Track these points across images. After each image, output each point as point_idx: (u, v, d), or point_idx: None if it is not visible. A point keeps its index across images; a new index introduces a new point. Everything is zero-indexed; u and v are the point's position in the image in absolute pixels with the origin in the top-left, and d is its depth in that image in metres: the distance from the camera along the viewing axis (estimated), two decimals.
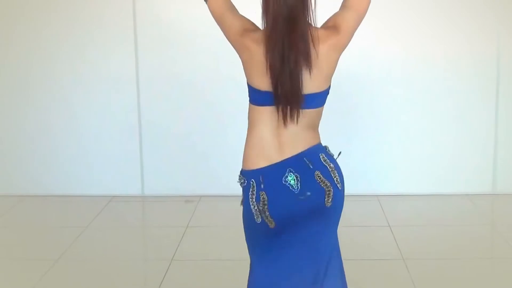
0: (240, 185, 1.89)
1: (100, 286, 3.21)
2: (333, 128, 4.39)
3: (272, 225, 1.83)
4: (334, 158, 1.91)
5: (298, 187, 1.82)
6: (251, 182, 1.84)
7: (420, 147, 4.55)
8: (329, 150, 1.93)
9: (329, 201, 1.84)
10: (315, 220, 1.86)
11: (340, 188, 1.86)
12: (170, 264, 3.39)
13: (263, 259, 1.91)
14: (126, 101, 4.57)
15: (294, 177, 1.83)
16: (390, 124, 4.53)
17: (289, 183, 1.82)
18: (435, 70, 4.48)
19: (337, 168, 1.88)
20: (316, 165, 1.85)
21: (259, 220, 1.84)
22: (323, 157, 1.86)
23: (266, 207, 1.82)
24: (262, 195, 1.82)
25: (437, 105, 4.52)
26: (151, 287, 3.18)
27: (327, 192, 1.83)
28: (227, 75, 4.29)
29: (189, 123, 4.56)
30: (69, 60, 4.55)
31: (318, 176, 1.83)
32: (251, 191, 1.84)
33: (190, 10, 4.24)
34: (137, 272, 3.45)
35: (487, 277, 3.31)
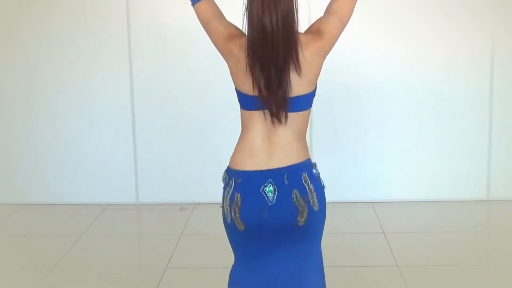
0: (223, 181, 1.91)
1: None
2: (327, 136, 4.39)
3: (241, 227, 1.85)
4: (317, 178, 1.89)
5: (273, 199, 1.82)
6: (230, 182, 1.86)
7: (414, 153, 4.54)
8: (315, 169, 1.90)
9: (302, 220, 1.82)
10: (288, 238, 1.86)
11: (316, 209, 1.84)
12: (164, 272, 3.37)
13: (242, 259, 1.93)
14: (121, 110, 4.55)
15: (273, 189, 1.82)
16: (384, 131, 4.52)
17: (266, 193, 1.82)
18: (428, 79, 4.47)
19: (318, 189, 1.86)
20: (295, 183, 1.83)
21: (229, 220, 1.87)
22: (305, 177, 1.84)
23: (238, 209, 1.83)
24: (236, 196, 1.84)
25: (430, 112, 4.51)
26: None
27: (300, 212, 1.82)
28: (221, 84, 4.27)
29: (184, 131, 4.54)
30: (64, 72, 4.53)
31: (295, 194, 1.82)
32: (228, 190, 1.87)
33: (185, 19, 4.24)
34: (132, 280, 3.41)
35: (483, 284, 3.30)
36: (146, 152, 4.59)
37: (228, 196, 1.86)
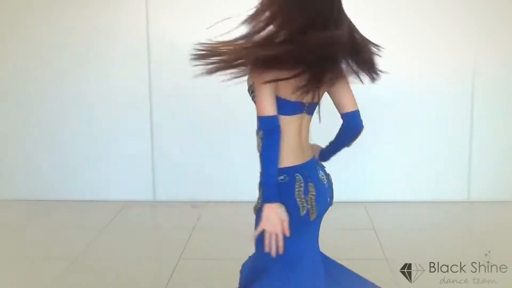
0: (282, 181, 1.76)
1: (115, 282, 3.21)
2: (321, 140, 4.38)
3: (313, 216, 1.79)
4: None
5: (326, 182, 1.89)
6: (297, 176, 1.78)
7: (401, 158, 4.55)
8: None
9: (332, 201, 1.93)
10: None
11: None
12: (177, 263, 3.41)
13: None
14: (139, 115, 4.56)
15: (323, 173, 1.90)
16: (373, 138, 4.37)
17: (321, 178, 1.87)
18: (414, 86, 4.44)
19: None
20: (324, 170, 1.95)
21: (304, 212, 1.77)
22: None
23: (314, 197, 1.78)
24: (310, 187, 1.79)
25: (416, 119, 4.51)
26: (161, 283, 3.17)
27: (330, 192, 1.92)
28: (234, 87, 4.25)
29: (198, 135, 4.54)
30: (86, 73, 4.53)
31: (330, 178, 1.93)
32: (298, 185, 1.77)
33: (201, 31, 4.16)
34: (149, 270, 3.44)
35: (463, 276, 3.28)
36: (163, 155, 4.62)
37: (302, 189, 1.77)
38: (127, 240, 3.88)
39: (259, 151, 1.74)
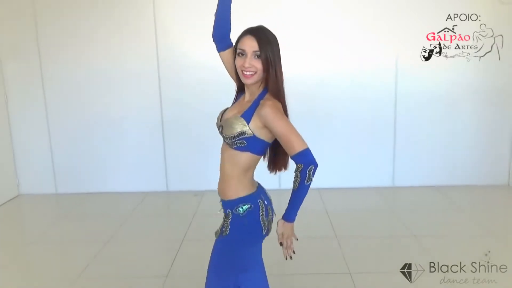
0: (246, 210, 1.49)
1: (134, 260, 2.94)
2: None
3: (268, 232, 1.56)
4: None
5: (270, 199, 1.62)
6: (259, 202, 1.52)
7: (342, 153, 4.21)
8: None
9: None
10: None
11: None
12: (182, 243, 3.17)
13: (261, 266, 1.62)
14: (153, 125, 4.22)
15: (267, 193, 1.63)
16: (321, 133, 4.18)
17: (269, 197, 1.62)
18: (350, 88, 4.08)
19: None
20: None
21: (265, 231, 1.53)
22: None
23: (271, 218, 1.56)
24: (269, 210, 1.55)
25: (349, 121, 4.14)
26: (169, 258, 2.92)
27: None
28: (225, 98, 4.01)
29: (201, 143, 4.21)
30: (113, 91, 4.15)
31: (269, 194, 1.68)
32: (261, 210, 1.51)
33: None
34: (160, 249, 3.16)
35: (387, 245, 3.09)
36: (173, 156, 4.30)
37: (263, 212, 1.51)
38: (145, 225, 3.56)
39: (304, 184, 1.39)
